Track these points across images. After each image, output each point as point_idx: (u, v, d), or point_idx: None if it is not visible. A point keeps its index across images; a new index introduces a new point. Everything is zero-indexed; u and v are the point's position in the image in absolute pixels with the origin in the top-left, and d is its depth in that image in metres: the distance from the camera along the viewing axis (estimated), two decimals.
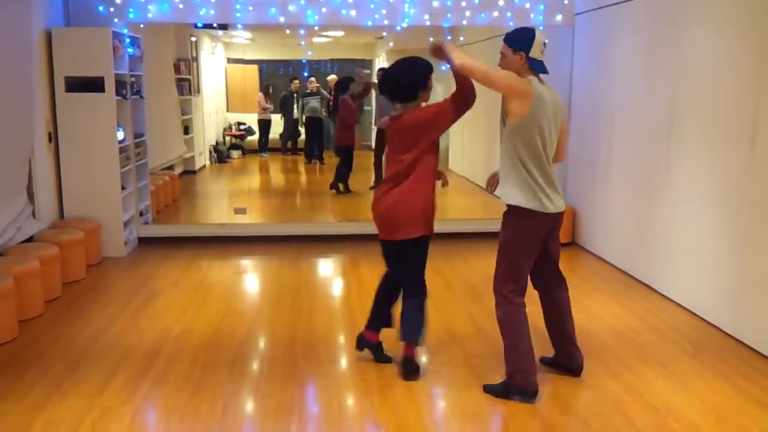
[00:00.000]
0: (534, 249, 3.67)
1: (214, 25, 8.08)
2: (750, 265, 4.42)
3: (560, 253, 3.86)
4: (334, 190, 9.75)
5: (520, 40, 3.57)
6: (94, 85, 6.28)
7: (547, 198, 3.55)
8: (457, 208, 8.77)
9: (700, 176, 4.95)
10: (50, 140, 6.27)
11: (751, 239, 4.41)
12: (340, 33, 10.96)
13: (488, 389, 3.76)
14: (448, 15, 6.98)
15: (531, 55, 3.54)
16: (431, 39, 3.69)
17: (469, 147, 10.94)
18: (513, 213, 3.62)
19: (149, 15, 6.70)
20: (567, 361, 3.98)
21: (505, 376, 3.70)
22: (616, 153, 6.27)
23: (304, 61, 12.99)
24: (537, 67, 3.58)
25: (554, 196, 3.60)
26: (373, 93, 10.03)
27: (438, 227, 3.93)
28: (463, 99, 3.65)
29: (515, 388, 3.64)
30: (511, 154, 3.56)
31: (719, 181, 4.73)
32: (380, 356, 4.12)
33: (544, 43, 3.59)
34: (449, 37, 7.46)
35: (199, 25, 7.19)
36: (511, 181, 3.59)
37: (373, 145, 9.98)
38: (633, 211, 5.97)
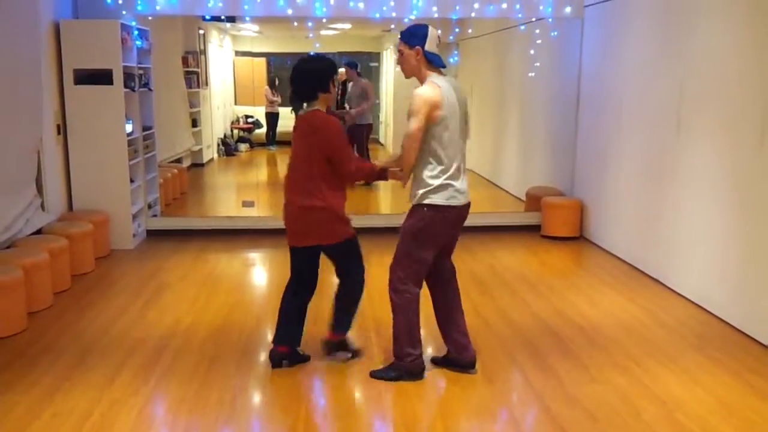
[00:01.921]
0: (435, 244, 3.76)
1: (222, 17, 8.08)
2: (759, 259, 4.39)
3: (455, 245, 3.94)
4: None
5: (414, 35, 3.65)
6: (102, 77, 6.29)
7: (456, 191, 3.66)
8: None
9: (710, 168, 4.92)
10: (59, 133, 6.29)
11: (760, 233, 4.38)
12: (347, 25, 10.93)
13: (375, 375, 3.85)
14: (457, 7, 6.95)
15: (426, 48, 3.63)
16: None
17: (476, 139, 10.91)
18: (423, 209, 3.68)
19: (157, 7, 6.70)
20: (459, 354, 3.92)
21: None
22: (625, 145, 6.24)
23: (311, 53, 12.98)
24: (434, 60, 3.66)
25: (459, 187, 3.70)
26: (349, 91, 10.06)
27: None
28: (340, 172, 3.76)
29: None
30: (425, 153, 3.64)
31: (728, 174, 4.70)
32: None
33: (438, 37, 3.68)
34: (457, 30, 7.43)
35: (207, 17, 7.18)
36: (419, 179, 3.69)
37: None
38: (641, 205, 5.94)
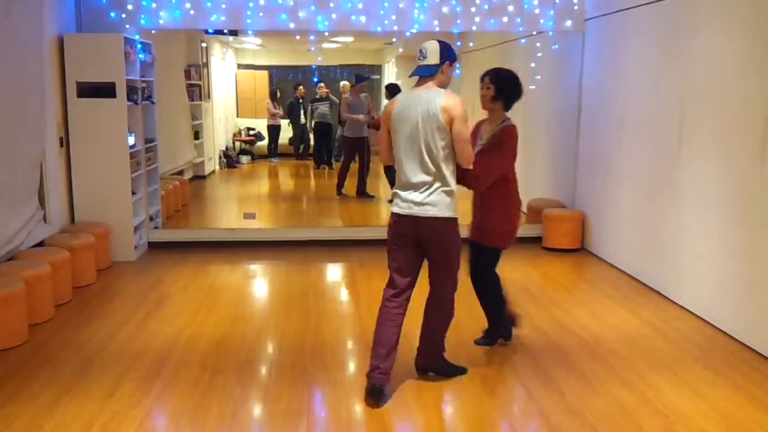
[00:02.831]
0: (395, 249, 3.87)
1: (225, 31, 8.13)
2: (760, 271, 4.39)
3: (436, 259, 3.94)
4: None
5: None
6: (105, 90, 6.32)
7: (400, 199, 3.79)
8: (461, 213, 8.71)
9: (710, 181, 4.93)
10: (61, 145, 6.31)
11: (761, 246, 4.38)
12: (349, 39, 10.98)
13: None
14: (458, 21, 6.99)
15: None
16: None
17: None
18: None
19: (160, 21, 6.74)
20: None
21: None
22: (626, 158, 6.26)
23: (313, 66, 13.04)
24: (412, 73, 3.82)
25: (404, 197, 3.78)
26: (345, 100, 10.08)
27: None
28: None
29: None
30: None
31: (729, 186, 4.71)
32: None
33: (420, 50, 3.78)
34: (458, 43, 7.47)
35: (210, 31, 7.23)
36: None
37: (344, 153, 9.99)
38: (643, 217, 5.95)
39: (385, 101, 12.72)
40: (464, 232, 3.95)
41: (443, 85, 3.77)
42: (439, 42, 3.77)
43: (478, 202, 4.36)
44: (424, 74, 3.74)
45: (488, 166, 4.08)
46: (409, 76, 3.82)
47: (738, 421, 3.52)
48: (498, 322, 4.53)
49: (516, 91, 4.32)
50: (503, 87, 4.26)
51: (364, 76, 10.23)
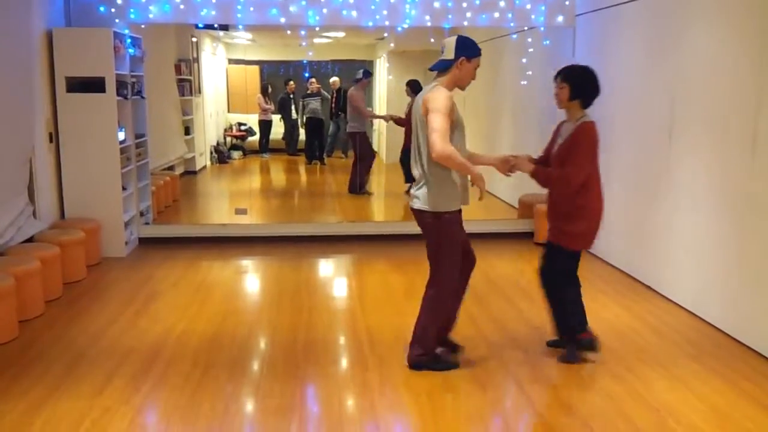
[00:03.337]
0: None
1: (215, 25, 8.08)
2: (751, 266, 4.41)
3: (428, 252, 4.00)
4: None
5: None
6: (95, 85, 6.27)
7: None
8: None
9: (701, 177, 4.95)
10: (51, 140, 6.27)
11: (752, 240, 4.40)
12: (341, 34, 10.95)
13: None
14: (449, 16, 6.98)
15: None
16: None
17: (469, 146, 10.90)
18: None
19: (150, 15, 6.70)
20: None
21: None
22: (617, 154, 6.26)
23: (305, 61, 13.01)
24: (431, 67, 3.90)
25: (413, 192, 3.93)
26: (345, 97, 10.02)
27: None
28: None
29: None
30: None
31: (720, 182, 4.72)
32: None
33: (441, 46, 3.84)
34: None
35: (200, 25, 7.19)
36: None
37: (353, 150, 9.90)
38: (634, 213, 5.96)
39: (377, 98, 12.68)
40: (472, 228, 3.99)
41: (458, 80, 3.79)
42: (458, 37, 3.78)
43: (550, 197, 4.21)
44: (439, 68, 3.81)
45: (571, 164, 3.92)
46: (429, 70, 3.90)
47: (728, 415, 3.53)
48: (565, 326, 4.24)
49: (592, 87, 4.00)
50: (577, 85, 4.01)
51: (370, 71, 10.25)
